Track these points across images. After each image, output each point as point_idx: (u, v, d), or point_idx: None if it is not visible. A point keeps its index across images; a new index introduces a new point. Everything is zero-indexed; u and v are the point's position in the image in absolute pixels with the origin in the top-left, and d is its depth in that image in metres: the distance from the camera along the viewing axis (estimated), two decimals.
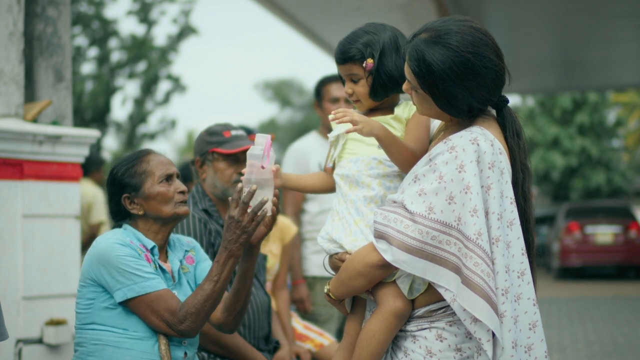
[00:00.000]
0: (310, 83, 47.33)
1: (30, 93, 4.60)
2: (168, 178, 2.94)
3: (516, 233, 2.33)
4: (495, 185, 2.30)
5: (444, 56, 2.33)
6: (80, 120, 20.64)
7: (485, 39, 2.37)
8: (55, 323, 4.24)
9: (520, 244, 2.34)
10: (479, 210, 2.26)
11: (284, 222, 4.69)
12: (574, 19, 13.70)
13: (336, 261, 2.55)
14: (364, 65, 2.54)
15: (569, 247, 17.55)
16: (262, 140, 2.65)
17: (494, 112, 2.47)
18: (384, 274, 2.39)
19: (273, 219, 2.80)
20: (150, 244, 2.89)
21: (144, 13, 22.08)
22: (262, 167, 2.63)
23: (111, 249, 2.79)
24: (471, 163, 2.29)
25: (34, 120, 4.37)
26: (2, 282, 4.09)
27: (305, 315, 4.95)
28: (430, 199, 2.29)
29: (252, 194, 2.66)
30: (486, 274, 2.24)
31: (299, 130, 36.96)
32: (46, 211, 4.30)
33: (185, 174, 7.59)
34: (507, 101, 2.45)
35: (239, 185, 2.69)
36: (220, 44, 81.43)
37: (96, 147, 15.99)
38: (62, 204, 4.37)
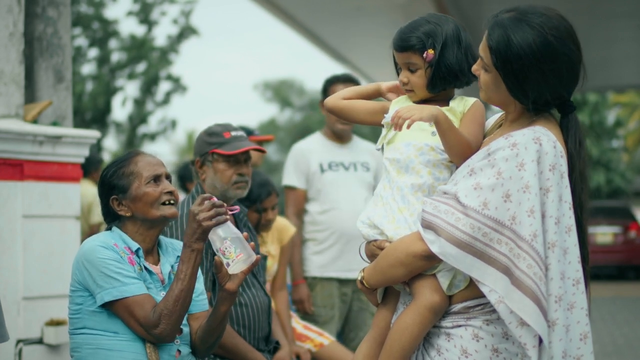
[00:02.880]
0: (310, 83, 47.39)
1: (30, 93, 4.60)
2: (156, 179, 2.91)
3: (574, 239, 2.26)
4: (555, 188, 2.23)
5: (526, 33, 2.27)
6: (80, 120, 20.66)
7: (570, 30, 2.32)
8: (55, 323, 4.24)
9: (577, 251, 2.26)
10: (536, 212, 2.19)
11: (282, 223, 4.69)
12: (574, 19, 13.61)
13: (374, 248, 2.45)
14: (424, 55, 2.46)
15: None
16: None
17: (557, 116, 2.40)
18: (426, 266, 2.31)
19: (254, 264, 2.81)
20: (135, 246, 2.87)
21: (144, 14, 22.10)
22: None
23: (94, 252, 2.78)
24: (532, 162, 2.21)
25: (34, 121, 4.37)
26: (2, 282, 4.09)
27: (305, 316, 4.95)
28: (485, 194, 2.21)
29: (220, 204, 2.73)
30: (539, 277, 2.17)
31: (299, 131, 36.93)
32: (46, 211, 4.30)
33: (186, 174, 7.61)
34: (575, 107, 2.38)
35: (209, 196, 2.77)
36: (220, 45, 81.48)
37: (96, 147, 16.00)
38: (62, 205, 4.37)
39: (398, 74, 2.57)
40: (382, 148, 2.56)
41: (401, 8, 11.89)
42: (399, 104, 2.57)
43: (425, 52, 2.46)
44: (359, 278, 2.50)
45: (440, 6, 12.56)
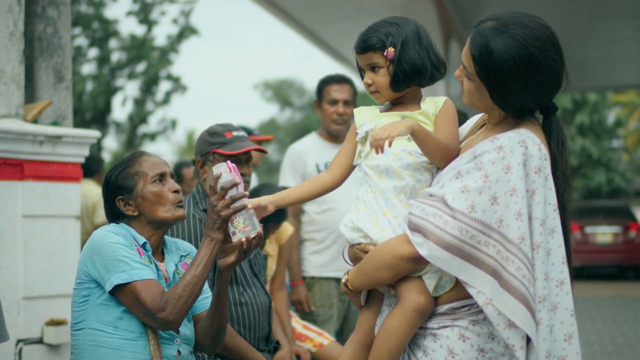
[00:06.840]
0: (310, 83, 47.39)
1: (30, 93, 4.60)
2: (161, 178, 2.94)
3: (557, 241, 2.27)
4: (540, 190, 2.24)
5: (508, 46, 2.27)
6: (80, 120, 20.66)
7: (553, 39, 2.32)
8: (55, 323, 4.24)
9: (561, 252, 2.27)
10: (523, 215, 2.20)
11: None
12: (574, 19, 13.72)
13: (358, 252, 2.46)
14: (384, 53, 2.49)
15: None
16: (224, 168, 2.73)
17: (540, 118, 2.42)
18: (412, 268, 2.32)
19: (255, 244, 2.77)
20: (142, 239, 2.90)
21: (144, 13, 22.10)
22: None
23: (104, 237, 2.81)
24: (518, 165, 2.23)
25: (35, 121, 4.37)
26: (3, 282, 4.10)
27: (304, 316, 4.95)
28: (473, 197, 2.22)
29: (232, 184, 2.69)
30: (527, 279, 2.18)
31: (299, 130, 36.94)
32: (46, 211, 4.30)
33: (177, 173, 7.62)
34: (557, 108, 2.40)
35: (215, 171, 2.73)
36: (221, 45, 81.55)
37: (96, 147, 15.99)
38: (63, 204, 4.37)
39: (362, 79, 2.59)
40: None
41: (401, 8, 11.90)
42: (361, 113, 2.58)
43: (386, 50, 2.49)
44: (343, 281, 2.51)
45: (440, 6, 12.57)
